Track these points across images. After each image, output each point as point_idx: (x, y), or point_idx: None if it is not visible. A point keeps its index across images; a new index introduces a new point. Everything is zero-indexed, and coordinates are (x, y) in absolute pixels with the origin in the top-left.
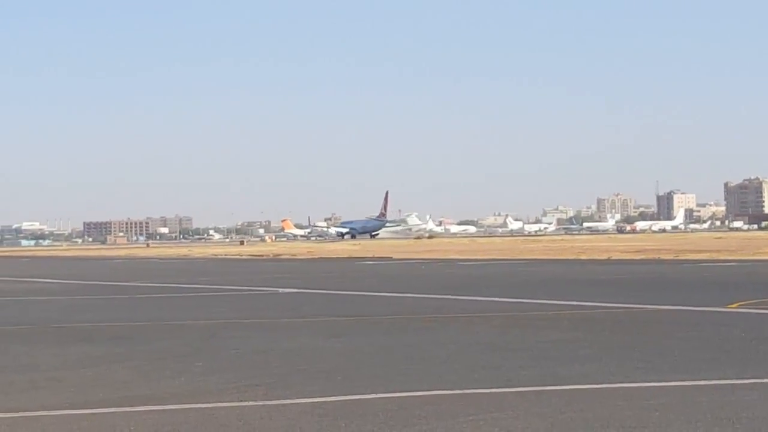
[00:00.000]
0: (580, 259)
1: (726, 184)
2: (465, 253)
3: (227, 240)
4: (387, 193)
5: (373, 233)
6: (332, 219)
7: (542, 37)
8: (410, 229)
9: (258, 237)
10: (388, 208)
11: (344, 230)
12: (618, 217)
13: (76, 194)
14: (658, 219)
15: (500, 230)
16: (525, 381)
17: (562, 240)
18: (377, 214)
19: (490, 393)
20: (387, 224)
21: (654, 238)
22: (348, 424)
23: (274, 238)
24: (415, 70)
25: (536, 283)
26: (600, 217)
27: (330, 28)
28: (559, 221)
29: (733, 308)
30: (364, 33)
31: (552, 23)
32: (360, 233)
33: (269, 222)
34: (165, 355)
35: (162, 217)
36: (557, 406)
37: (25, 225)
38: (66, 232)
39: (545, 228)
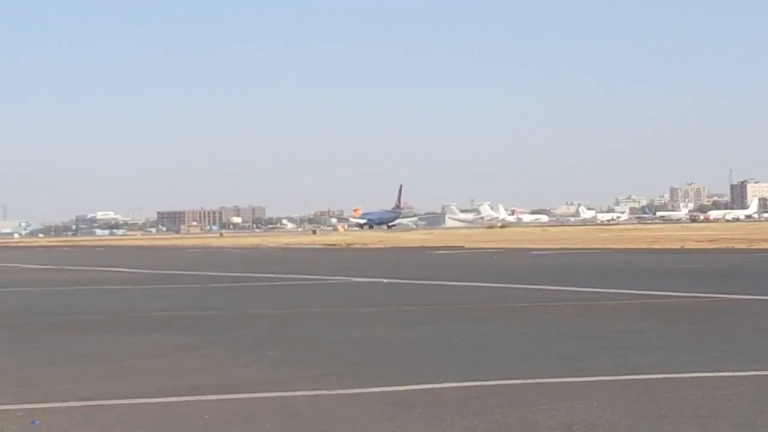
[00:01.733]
0: (653, 249)
1: None
2: (537, 243)
3: (300, 229)
4: (401, 186)
5: (390, 224)
6: (404, 208)
7: (611, 25)
8: (482, 218)
9: (330, 226)
10: (402, 201)
11: (363, 221)
12: (691, 206)
13: (150, 184)
14: (732, 208)
15: (573, 219)
16: (598, 370)
17: (634, 229)
18: (392, 206)
19: (563, 382)
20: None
21: (727, 228)
22: (421, 413)
23: (346, 227)
24: (491, 60)
25: (609, 272)
26: (673, 206)
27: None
28: (632, 210)
29: None
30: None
31: (615, 12)
32: (377, 224)
33: (342, 211)
34: (238, 343)
35: (235, 206)
36: (630, 396)
37: (100, 215)
38: (140, 222)
39: (618, 217)
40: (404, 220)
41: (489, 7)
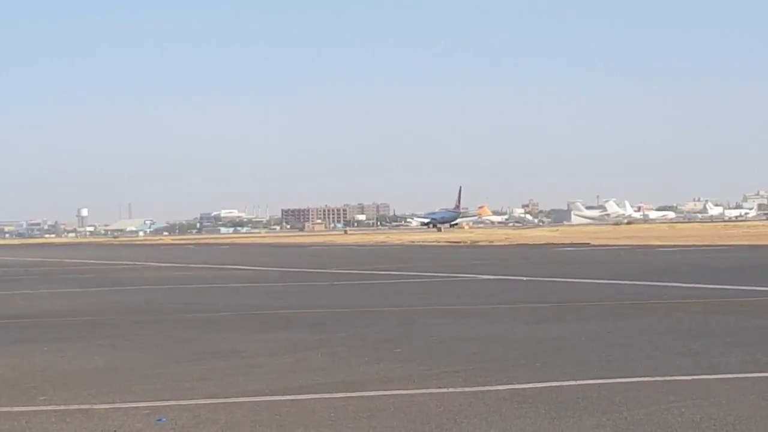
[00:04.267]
0: None
1: None
2: (664, 239)
3: (425, 227)
4: (460, 188)
5: (452, 223)
6: (529, 206)
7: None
8: (608, 215)
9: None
10: (462, 201)
11: (426, 220)
12: None
13: (274, 181)
14: None
15: (700, 216)
16: (727, 367)
17: (763, 225)
18: (453, 206)
19: (692, 380)
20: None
21: None
22: (548, 411)
23: (471, 224)
24: (617, 54)
25: (737, 269)
26: None
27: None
28: (760, 206)
29: None
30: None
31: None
32: (440, 223)
33: (466, 209)
34: (363, 341)
35: (359, 203)
36: (760, 393)
37: (224, 212)
38: (264, 220)
39: (746, 213)
40: (463, 220)
41: None
